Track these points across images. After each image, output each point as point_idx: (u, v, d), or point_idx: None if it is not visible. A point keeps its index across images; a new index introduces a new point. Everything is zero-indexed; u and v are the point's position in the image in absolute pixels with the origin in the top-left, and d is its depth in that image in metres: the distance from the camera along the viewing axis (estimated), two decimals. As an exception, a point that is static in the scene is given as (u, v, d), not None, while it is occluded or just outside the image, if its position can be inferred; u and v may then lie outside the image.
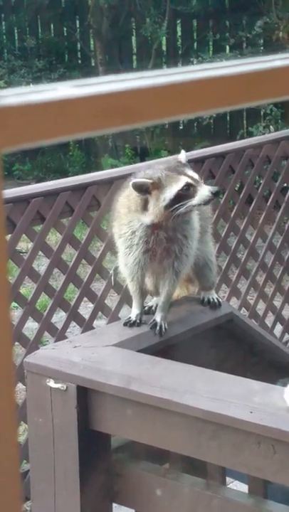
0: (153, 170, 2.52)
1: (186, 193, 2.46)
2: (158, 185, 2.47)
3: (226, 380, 2.27)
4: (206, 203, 2.47)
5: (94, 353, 2.42)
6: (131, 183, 2.48)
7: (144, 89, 0.50)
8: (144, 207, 2.51)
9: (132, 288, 2.71)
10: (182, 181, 2.46)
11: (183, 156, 2.60)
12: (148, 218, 2.52)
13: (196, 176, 2.49)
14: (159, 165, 2.58)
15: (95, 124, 0.48)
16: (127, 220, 2.59)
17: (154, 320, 2.66)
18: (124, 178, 4.34)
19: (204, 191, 2.45)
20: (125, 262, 2.66)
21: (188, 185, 2.46)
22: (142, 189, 2.48)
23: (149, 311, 2.74)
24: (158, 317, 2.66)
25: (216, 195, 2.48)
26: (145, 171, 2.56)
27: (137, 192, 2.48)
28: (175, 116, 0.53)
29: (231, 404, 2.10)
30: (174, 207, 2.46)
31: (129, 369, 2.36)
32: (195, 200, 2.45)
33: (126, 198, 2.59)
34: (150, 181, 2.47)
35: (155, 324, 2.65)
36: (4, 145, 0.44)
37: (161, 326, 2.63)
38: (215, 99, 0.55)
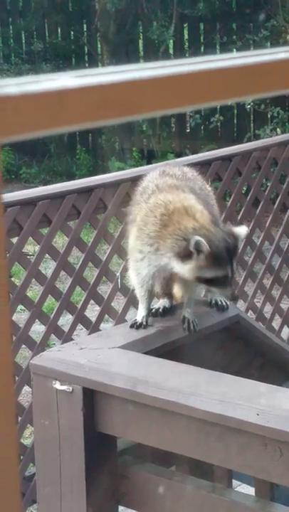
0: (216, 231, 2.49)
1: (220, 283, 2.51)
2: (209, 258, 2.45)
3: (232, 382, 2.26)
4: (229, 299, 2.59)
5: (100, 354, 2.41)
6: (196, 239, 2.42)
7: (144, 80, 0.49)
8: (184, 256, 2.47)
9: (140, 293, 2.70)
10: (223, 273, 2.49)
11: (243, 231, 2.64)
12: (178, 267, 2.50)
13: (233, 271, 2.52)
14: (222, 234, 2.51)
15: (94, 115, 0.48)
16: (153, 240, 2.55)
17: (183, 316, 2.66)
18: (131, 180, 4.36)
19: (228, 293, 2.54)
20: (137, 273, 2.65)
21: (225, 278, 2.49)
22: (198, 249, 2.44)
23: (157, 314, 2.74)
24: (186, 313, 2.67)
25: (232, 299, 2.60)
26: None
27: (193, 249, 2.44)
28: (175, 109, 0.52)
29: (238, 406, 2.09)
30: (202, 284, 2.55)
31: (135, 371, 2.35)
32: (223, 294, 2.57)
33: (165, 215, 2.53)
34: (208, 251, 2.43)
35: (184, 319, 2.65)
36: (3, 135, 0.44)
37: (189, 321, 2.64)
38: (215, 91, 0.54)
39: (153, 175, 2.71)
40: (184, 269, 2.49)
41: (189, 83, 0.51)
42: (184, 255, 2.46)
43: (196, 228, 2.46)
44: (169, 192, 2.57)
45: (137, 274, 2.65)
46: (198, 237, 2.42)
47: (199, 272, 2.48)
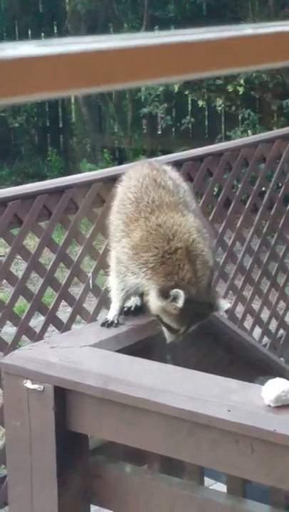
0: (201, 296, 2.53)
1: (170, 330, 2.57)
2: (176, 310, 2.50)
3: (203, 378, 2.26)
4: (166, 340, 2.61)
5: (71, 353, 2.40)
6: (178, 292, 2.46)
7: (109, 51, 0.49)
8: (162, 293, 2.51)
9: (117, 295, 2.70)
10: (177, 328, 2.55)
11: (224, 306, 2.67)
12: (152, 297, 2.55)
13: (188, 331, 2.58)
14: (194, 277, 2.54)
15: (57, 85, 0.47)
16: (149, 271, 2.55)
17: None
18: (102, 181, 4.35)
19: (169, 338, 2.58)
20: (121, 280, 2.65)
21: (177, 331, 2.56)
22: (174, 298, 2.48)
23: (129, 312, 2.73)
24: None
25: (168, 342, 2.61)
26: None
27: (171, 294, 2.48)
28: (141, 81, 0.52)
29: (209, 402, 2.09)
30: (158, 320, 2.58)
31: (106, 369, 2.35)
32: (167, 336, 2.59)
33: (167, 253, 2.53)
34: (180, 306, 2.48)
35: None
36: None
37: None
38: (182, 64, 0.53)
39: (145, 183, 2.65)
40: (154, 303, 2.55)
41: (156, 56, 0.51)
42: (163, 293, 2.51)
43: (191, 283, 2.51)
44: (168, 215, 2.57)
45: (121, 281, 2.66)
46: (181, 292, 2.46)
47: (162, 313, 2.54)
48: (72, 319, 4.45)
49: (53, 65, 0.46)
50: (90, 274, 4.50)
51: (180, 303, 2.47)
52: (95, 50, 0.48)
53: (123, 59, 0.49)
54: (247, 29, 0.56)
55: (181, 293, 2.46)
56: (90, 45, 0.49)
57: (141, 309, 2.75)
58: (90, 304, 4.77)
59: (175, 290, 2.47)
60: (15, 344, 4.10)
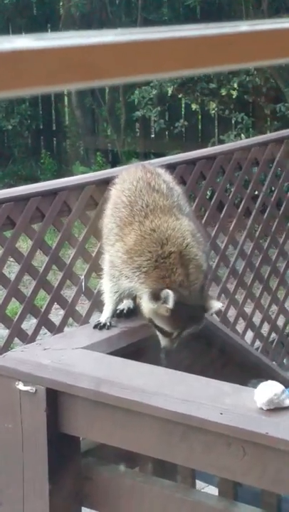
0: (193, 298, 2.52)
1: (164, 333, 2.58)
2: (168, 312, 2.49)
3: (196, 381, 2.26)
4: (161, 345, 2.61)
5: (63, 355, 2.40)
6: (168, 293, 2.46)
7: (107, 45, 0.49)
8: (154, 295, 2.50)
9: (110, 298, 2.70)
10: (171, 330, 2.54)
11: (216, 306, 2.66)
12: (144, 300, 2.54)
13: (181, 335, 2.57)
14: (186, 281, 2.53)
15: (54, 79, 0.47)
16: (142, 275, 2.55)
17: None
18: (95, 183, 4.35)
19: (164, 342, 2.58)
20: (114, 283, 2.65)
21: (170, 334, 2.56)
22: (165, 300, 2.47)
23: (121, 314, 2.73)
24: None
25: (163, 348, 2.61)
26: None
27: (162, 296, 2.48)
28: (138, 76, 0.52)
29: (201, 405, 2.09)
30: (151, 323, 2.57)
31: (99, 371, 2.35)
32: (161, 340, 2.58)
33: (161, 257, 2.53)
34: (169, 308, 2.47)
35: None
36: None
37: None
38: (179, 60, 0.53)
39: (139, 186, 2.65)
40: (146, 306, 2.55)
41: (152, 51, 0.51)
42: (154, 295, 2.51)
43: (183, 285, 2.51)
44: (162, 219, 2.57)
45: (114, 285, 2.65)
46: (170, 292, 2.46)
47: (154, 315, 2.54)
48: (64, 322, 4.45)
49: (48, 59, 0.45)
50: (82, 277, 4.50)
51: (170, 303, 2.46)
52: (92, 44, 0.48)
53: (120, 53, 0.49)
54: (242, 26, 0.56)
55: (170, 293, 2.45)
56: (88, 39, 0.49)
57: (133, 312, 2.75)
58: (83, 306, 4.76)
59: (165, 291, 2.47)
60: (7, 347, 4.10)
